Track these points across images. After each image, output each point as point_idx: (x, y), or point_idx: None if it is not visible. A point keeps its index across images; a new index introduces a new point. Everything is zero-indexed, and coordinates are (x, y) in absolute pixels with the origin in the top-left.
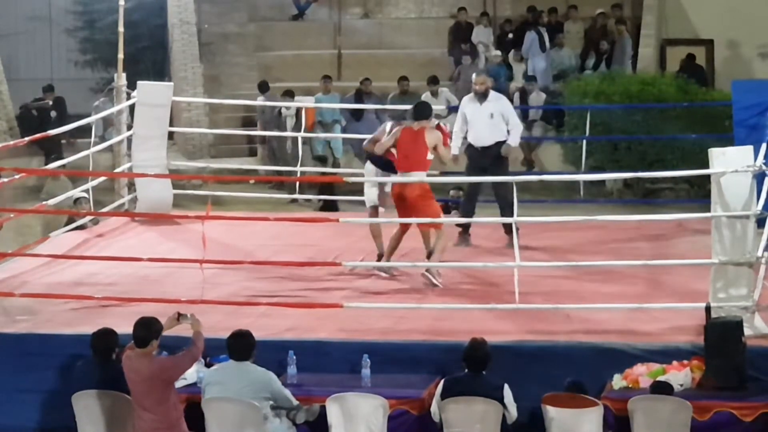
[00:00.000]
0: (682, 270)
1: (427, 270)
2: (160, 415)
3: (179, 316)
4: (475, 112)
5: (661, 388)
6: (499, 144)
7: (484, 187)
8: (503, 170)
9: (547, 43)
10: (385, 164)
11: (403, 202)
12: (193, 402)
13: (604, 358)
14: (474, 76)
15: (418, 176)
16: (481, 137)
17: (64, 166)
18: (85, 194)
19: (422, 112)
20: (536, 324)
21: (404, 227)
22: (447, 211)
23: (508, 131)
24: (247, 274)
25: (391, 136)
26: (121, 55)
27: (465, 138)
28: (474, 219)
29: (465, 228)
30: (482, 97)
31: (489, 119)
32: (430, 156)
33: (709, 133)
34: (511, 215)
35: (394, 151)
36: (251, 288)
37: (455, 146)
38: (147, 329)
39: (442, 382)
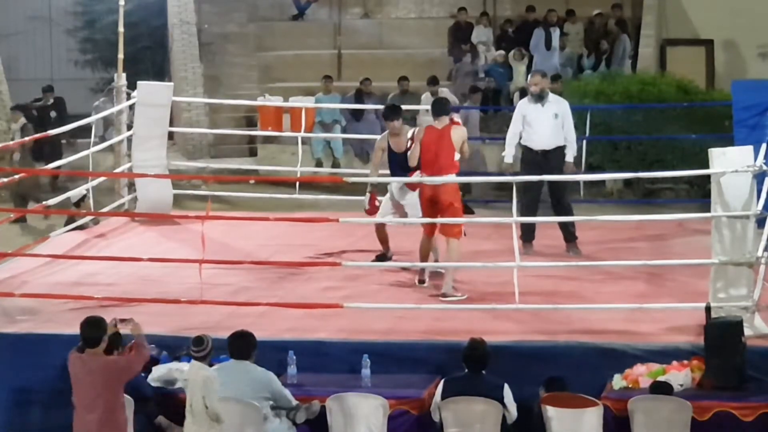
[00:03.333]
0: (682, 270)
1: (443, 295)
2: (106, 417)
3: (118, 322)
4: (537, 114)
5: (661, 388)
6: (560, 148)
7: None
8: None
9: (554, 42)
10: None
11: (436, 205)
12: None
13: (604, 358)
14: (529, 76)
15: (450, 178)
16: (543, 140)
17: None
18: (85, 191)
19: (442, 108)
20: (536, 324)
21: (430, 230)
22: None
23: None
24: (247, 274)
25: (416, 142)
26: (121, 55)
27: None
28: (475, 219)
29: (527, 236)
30: (540, 98)
31: (553, 120)
32: (457, 156)
33: (709, 133)
34: (571, 224)
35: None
36: (251, 288)
37: (509, 153)
38: (98, 328)
39: (442, 382)
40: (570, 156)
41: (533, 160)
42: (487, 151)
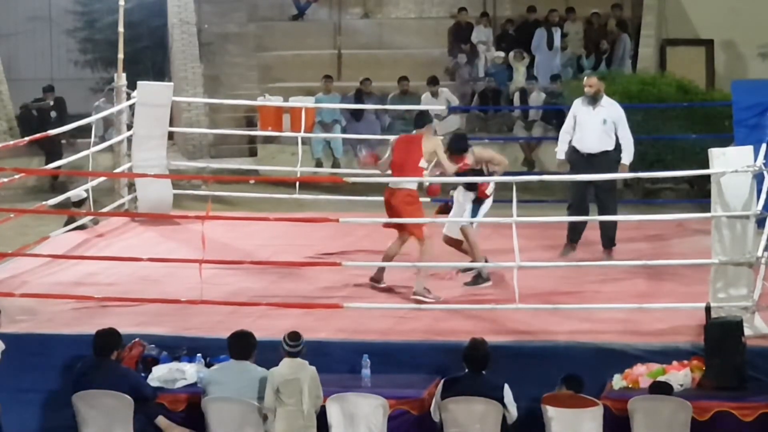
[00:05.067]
0: (682, 270)
1: (414, 293)
2: None
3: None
4: (588, 117)
5: (661, 388)
6: (606, 153)
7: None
8: (611, 184)
9: (556, 42)
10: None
11: (390, 209)
12: (193, 402)
13: (604, 358)
14: (585, 77)
15: (407, 182)
16: (589, 143)
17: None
18: (84, 193)
19: (421, 121)
20: (536, 324)
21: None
22: (447, 211)
23: (617, 141)
24: (247, 274)
25: (389, 149)
26: (121, 55)
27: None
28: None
29: (573, 237)
30: (593, 100)
31: (601, 125)
32: (423, 163)
33: (709, 133)
34: (613, 227)
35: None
36: (251, 288)
37: (561, 150)
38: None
39: (442, 382)
40: (626, 159)
41: (578, 161)
42: None
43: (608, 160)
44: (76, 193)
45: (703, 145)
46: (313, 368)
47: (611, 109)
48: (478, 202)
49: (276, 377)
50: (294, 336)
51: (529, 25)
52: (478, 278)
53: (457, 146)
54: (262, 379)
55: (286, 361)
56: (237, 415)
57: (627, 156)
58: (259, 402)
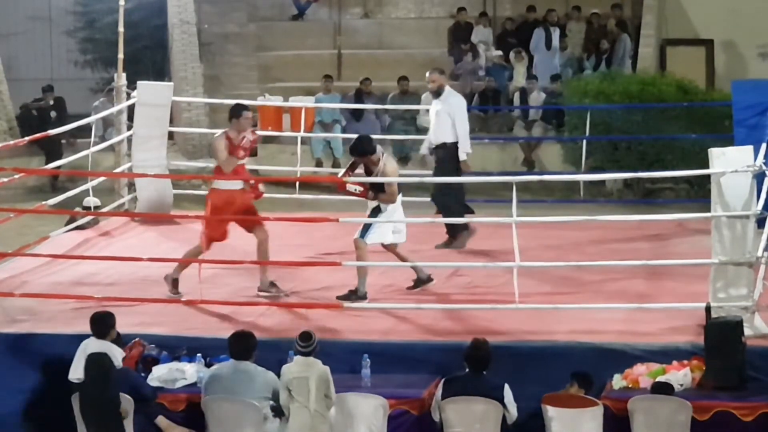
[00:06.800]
0: (682, 270)
1: (258, 289)
2: None
3: None
4: (432, 111)
5: (663, 389)
6: (444, 145)
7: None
8: (443, 173)
9: (554, 42)
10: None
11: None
12: (193, 402)
13: (604, 358)
14: (428, 73)
15: (217, 184)
16: (433, 136)
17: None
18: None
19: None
20: (536, 324)
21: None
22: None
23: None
24: (247, 274)
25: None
26: (121, 55)
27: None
28: (475, 219)
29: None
30: (436, 95)
31: (435, 118)
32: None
33: (709, 133)
34: (450, 217)
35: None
36: (251, 288)
37: (424, 146)
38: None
39: (442, 382)
40: (462, 154)
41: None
42: (488, 151)
43: (445, 151)
44: (90, 200)
45: (703, 145)
46: (325, 367)
47: (447, 103)
48: (377, 210)
49: (286, 375)
50: (305, 336)
51: (529, 24)
52: (352, 295)
53: (355, 149)
54: (262, 379)
55: (297, 359)
56: (237, 415)
57: (463, 149)
58: (259, 402)
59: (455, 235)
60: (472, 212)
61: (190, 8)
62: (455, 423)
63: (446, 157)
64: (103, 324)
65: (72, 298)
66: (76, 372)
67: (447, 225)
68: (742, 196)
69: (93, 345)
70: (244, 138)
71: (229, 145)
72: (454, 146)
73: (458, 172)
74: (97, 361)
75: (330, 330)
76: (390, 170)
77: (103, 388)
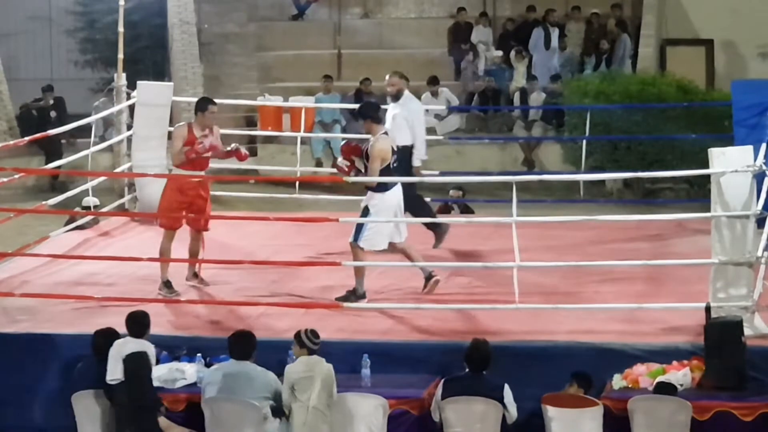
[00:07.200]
0: (682, 270)
1: (159, 291)
2: None
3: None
4: (387, 114)
5: (665, 389)
6: (405, 148)
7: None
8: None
9: (554, 42)
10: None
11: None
12: (193, 402)
13: (604, 358)
14: (387, 77)
15: (176, 170)
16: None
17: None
18: (97, 201)
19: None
20: (536, 324)
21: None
22: (447, 210)
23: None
24: (247, 274)
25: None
26: (121, 55)
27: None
28: (475, 219)
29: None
30: (395, 98)
31: (392, 121)
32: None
33: (709, 133)
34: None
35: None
36: (251, 288)
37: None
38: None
39: (442, 382)
40: (416, 160)
41: None
42: (488, 151)
43: (404, 155)
44: (89, 200)
45: (703, 145)
46: (330, 366)
47: (406, 108)
48: (365, 211)
49: (291, 374)
50: (316, 333)
51: (529, 24)
52: (351, 295)
53: (360, 110)
54: (263, 379)
55: (302, 359)
56: (237, 415)
57: (418, 155)
58: (258, 402)
59: (436, 229)
60: (471, 212)
61: (190, 8)
62: (455, 423)
63: (400, 158)
64: (140, 324)
65: (72, 298)
66: (115, 373)
67: (426, 225)
68: (742, 196)
69: (131, 345)
70: (207, 136)
71: (188, 137)
72: (408, 150)
73: (407, 174)
74: (138, 360)
75: (330, 330)
76: (377, 148)
77: (145, 387)
